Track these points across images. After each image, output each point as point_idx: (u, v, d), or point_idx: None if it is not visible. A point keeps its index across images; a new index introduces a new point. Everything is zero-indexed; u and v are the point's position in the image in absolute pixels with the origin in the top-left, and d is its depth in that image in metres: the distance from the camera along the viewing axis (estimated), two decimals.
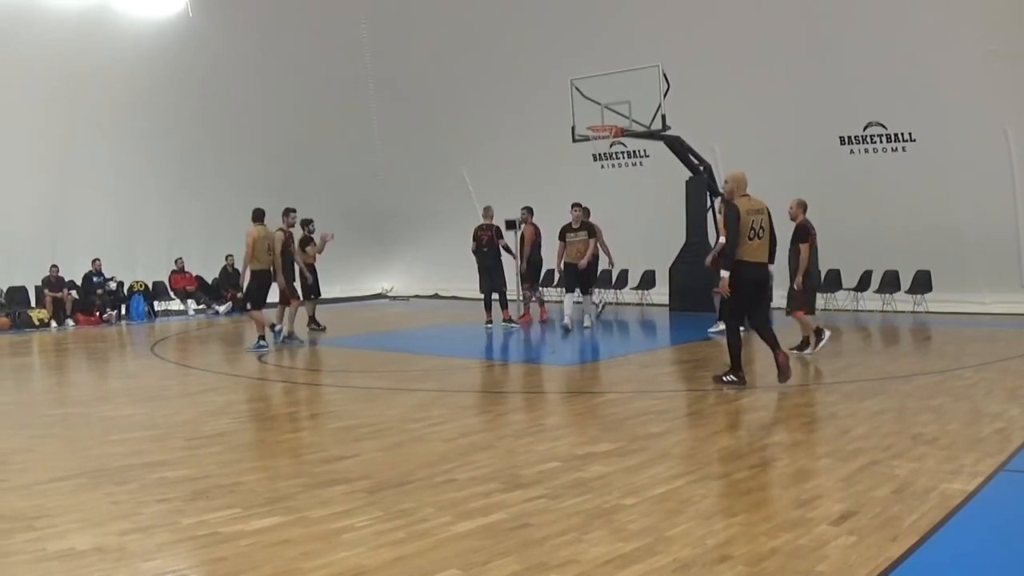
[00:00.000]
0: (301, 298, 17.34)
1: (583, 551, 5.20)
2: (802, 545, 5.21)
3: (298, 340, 16.53)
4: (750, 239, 10.53)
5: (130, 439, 8.60)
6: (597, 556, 5.11)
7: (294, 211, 16.82)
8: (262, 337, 15.61)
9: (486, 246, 17.86)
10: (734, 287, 10.53)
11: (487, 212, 18.41)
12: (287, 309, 16.87)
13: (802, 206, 13.43)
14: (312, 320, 18.54)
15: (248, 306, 15.93)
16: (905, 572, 4.83)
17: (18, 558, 5.22)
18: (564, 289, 17.59)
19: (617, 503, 6.13)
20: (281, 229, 16.33)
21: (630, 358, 14.61)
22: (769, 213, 10.86)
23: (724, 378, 10.96)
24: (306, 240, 18.47)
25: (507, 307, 18.20)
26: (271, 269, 15.63)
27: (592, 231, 17.18)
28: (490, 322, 17.91)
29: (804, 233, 13.03)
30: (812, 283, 13.57)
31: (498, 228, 18.18)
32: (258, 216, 15.59)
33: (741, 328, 11.12)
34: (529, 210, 18.86)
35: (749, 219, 10.50)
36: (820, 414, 9.04)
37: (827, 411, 9.20)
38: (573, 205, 17.33)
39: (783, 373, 10.68)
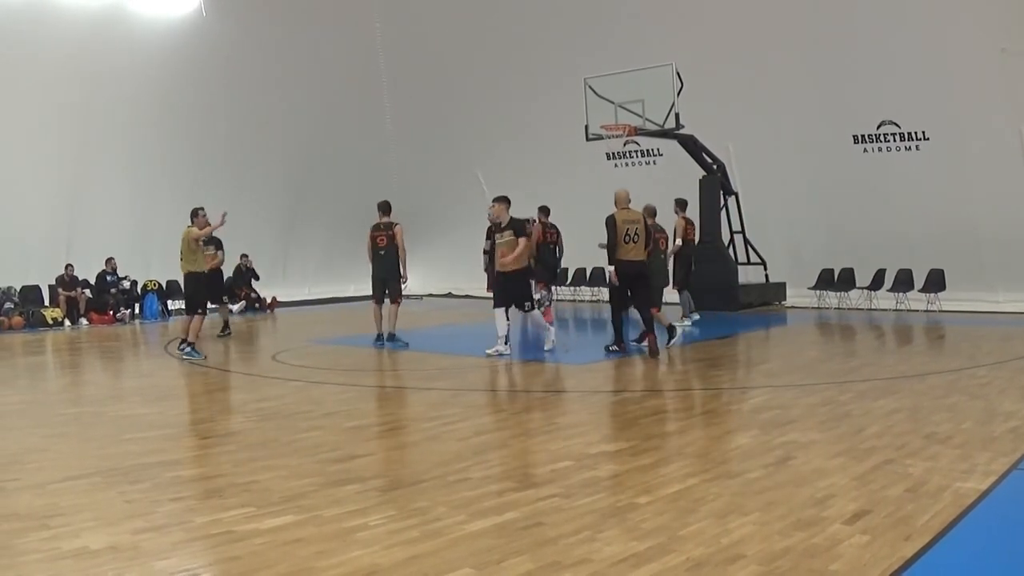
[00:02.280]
0: None
1: (597, 550, 5.19)
2: (816, 544, 5.20)
3: (402, 343, 15.68)
4: (626, 243, 13.46)
5: (144, 438, 8.63)
6: (611, 555, 5.11)
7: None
8: (183, 340, 14.88)
9: None
10: (618, 278, 13.69)
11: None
12: (389, 309, 15.99)
13: (649, 211, 14.92)
14: (225, 325, 18.31)
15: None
16: (918, 571, 4.82)
17: (32, 557, 5.24)
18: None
19: (631, 502, 6.13)
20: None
21: (643, 357, 14.61)
22: (645, 223, 13.81)
23: (609, 348, 14.15)
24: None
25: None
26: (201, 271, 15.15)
27: (522, 230, 14.19)
28: None
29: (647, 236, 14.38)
30: (656, 282, 14.87)
31: None
32: (190, 215, 15.24)
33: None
34: (543, 210, 18.57)
35: (624, 227, 13.46)
36: (834, 413, 9.01)
37: (841, 410, 9.17)
38: (494, 200, 14.75)
39: (651, 351, 13.63)
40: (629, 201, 13.71)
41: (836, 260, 21.41)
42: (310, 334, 18.17)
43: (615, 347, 14.10)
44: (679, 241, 17.93)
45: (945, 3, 18.77)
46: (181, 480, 7.01)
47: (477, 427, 9.02)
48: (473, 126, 26.97)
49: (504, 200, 14.48)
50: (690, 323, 17.92)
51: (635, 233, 13.46)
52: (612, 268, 13.60)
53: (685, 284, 18.08)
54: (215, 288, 17.87)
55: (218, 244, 18.35)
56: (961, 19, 18.71)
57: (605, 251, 13.67)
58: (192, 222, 15.07)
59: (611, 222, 13.46)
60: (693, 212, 20.90)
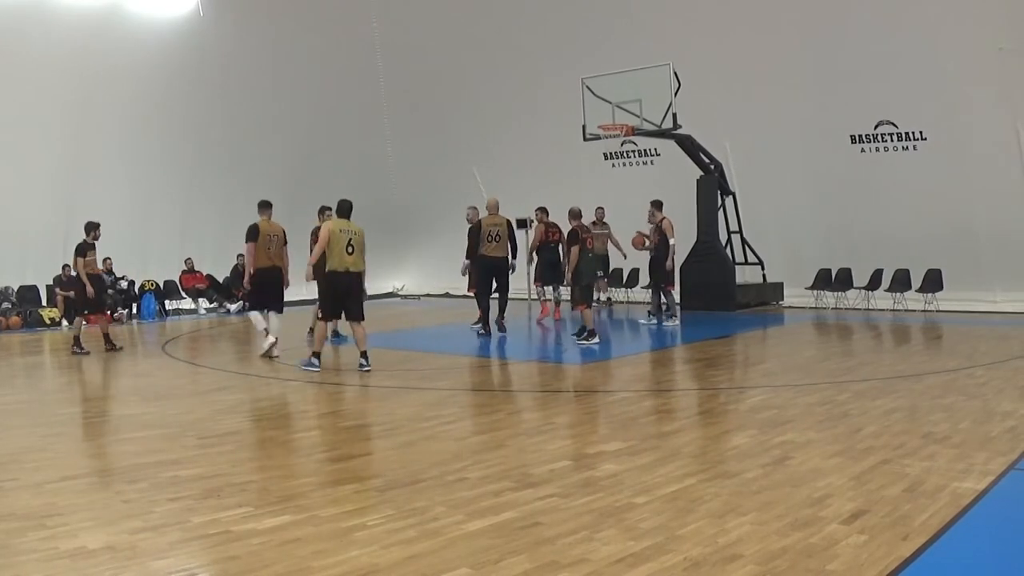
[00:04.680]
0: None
1: (594, 550, 5.20)
2: (813, 544, 5.20)
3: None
4: (489, 241, 16.64)
5: (141, 438, 8.62)
6: (608, 555, 5.11)
7: (329, 209, 15.10)
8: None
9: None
10: (480, 273, 16.82)
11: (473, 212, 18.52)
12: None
13: (573, 215, 15.75)
14: (106, 339, 16.22)
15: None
16: (916, 571, 4.83)
17: (30, 556, 5.24)
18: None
19: (628, 502, 6.13)
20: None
21: (641, 357, 14.62)
22: (510, 225, 17.01)
23: (479, 332, 16.84)
24: (86, 247, 16.03)
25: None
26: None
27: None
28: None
29: (574, 237, 15.35)
30: (585, 280, 15.46)
31: None
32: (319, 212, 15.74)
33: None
34: (542, 210, 18.68)
35: (487, 229, 16.65)
36: (831, 413, 9.01)
37: (838, 410, 9.18)
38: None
39: (499, 327, 16.95)
40: (497, 208, 16.98)
41: (833, 260, 21.41)
42: (307, 334, 18.13)
43: (483, 330, 16.88)
44: (673, 241, 17.97)
45: (943, 3, 18.77)
46: (179, 480, 7.00)
47: (475, 427, 9.03)
48: (470, 125, 26.98)
49: (263, 205, 14.78)
50: (671, 323, 18.19)
51: (497, 235, 16.66)
52: (467, 262, 17.14)
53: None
54: (95, 297, 16.16)
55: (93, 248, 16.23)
56: (959, 19, 18.71)
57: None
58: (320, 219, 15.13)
59: (476, 227, 16.80)
60: (691, 212, 20.97)
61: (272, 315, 14.73)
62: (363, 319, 12.90)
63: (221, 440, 8.54)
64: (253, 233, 14.46)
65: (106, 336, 16.26)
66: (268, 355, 14.30)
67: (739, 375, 12.78)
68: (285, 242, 14.83)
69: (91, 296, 15.81)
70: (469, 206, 18.69)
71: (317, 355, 12.81)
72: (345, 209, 12.94)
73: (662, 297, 18.65)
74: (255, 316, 14.91)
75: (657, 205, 18.31)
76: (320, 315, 13.46)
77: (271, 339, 14.39)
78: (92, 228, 16.11)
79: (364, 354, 12.69)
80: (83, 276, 15.66)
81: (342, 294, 12.77)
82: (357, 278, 12.90)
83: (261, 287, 14.64)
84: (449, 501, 6.22)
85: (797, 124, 21.25)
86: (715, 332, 17.02)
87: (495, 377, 13.21)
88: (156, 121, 24.00)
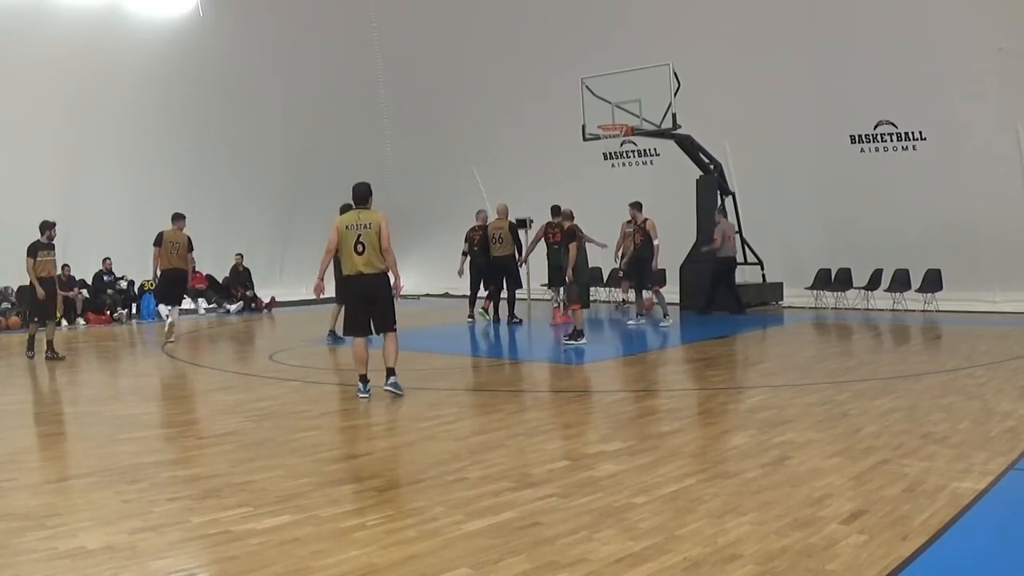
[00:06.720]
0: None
1: (593, 550, 5.20)
2: (812, 544, 5.20)
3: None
4: (494, 243, 18.48)
5: (141, 438, 8.62)
6: (608, 555, 5.11)
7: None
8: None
9: (477, 246, 18.67)
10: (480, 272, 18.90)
11: (479, 215, 19.18)
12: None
13: (566, 215, 16.32)
14: (49, 347, 15.45)
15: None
16: (915, 571, 4.83)
17: (29, 556, 5.24)
18: None
19: (628, 502, 6.13)
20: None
21: (640, 357, 14.61)
22: (512, 227, 18.62)
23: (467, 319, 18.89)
24: (40, 247, 15.37)
25: (474, 304, 19.39)
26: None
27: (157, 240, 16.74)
28: (493, 318, 19.03)
29: (572, 236, 15.35)
30: (582, 279, 15.40)
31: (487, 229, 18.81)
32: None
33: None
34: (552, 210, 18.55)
35: (492, 232, 18.48)
36: (831, 413, 9.01)
37: (838, 410, 9.17)
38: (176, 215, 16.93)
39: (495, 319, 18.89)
40: (507, 213, 18.87)
41: (833, 260, 21.39)
42: (307, 334, 18.09)
43: (470, 318, 19.10)
44: (658, 241, 17.82)
45: (942, 2, 18.77)
46: (178, 480, 7.00)
47: (474, 427, 9.03)
48: (470, 125, 26.94)
49: (175, 217, 16.77)
50: (666, 322, 17.99)
51: (499, 237, 18.43)
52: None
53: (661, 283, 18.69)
54: (46, 301, 15.37)
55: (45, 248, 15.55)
56: (958, 18, 18.72)
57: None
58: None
59: (482, 230, 18.73)
60: (690, 212, 20.98)
61: (172, 308, 17.17)
62: (393, 329, 10.68)
63: (220, 440, 8.54)
64: (158, 240, 16.54)
65: (49, 343, 15.50)
66: (168, 340, 16.71)
67: (738, 375, 12.78)
68: (190, 249, 16.83)
69: (40, 299, 15.18)
70: (478, 210, 19.16)
71: (362, 378, 10.67)
72: (358, 196, 11.11)
73: (641, 296, 18.70)
74: (161, 309, 18.27)
75: (637, 206, 18.06)
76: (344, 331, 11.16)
77: (169, 324, 16.97)
78: (47, 228, 15.60)
79: (391, 371, 10.59)
80: (32, 278, 15.12)
81: (361, 301, 10.66)
82: (377, 279, 10.68)
83: (164, 285, 17.01)
84: (448, 501, 6.22)
85: (797, 124, 21.25)
86: (714, 332, 17.02)
87: (494, 377, 13.20)
88: (156, 121, 24.01)
